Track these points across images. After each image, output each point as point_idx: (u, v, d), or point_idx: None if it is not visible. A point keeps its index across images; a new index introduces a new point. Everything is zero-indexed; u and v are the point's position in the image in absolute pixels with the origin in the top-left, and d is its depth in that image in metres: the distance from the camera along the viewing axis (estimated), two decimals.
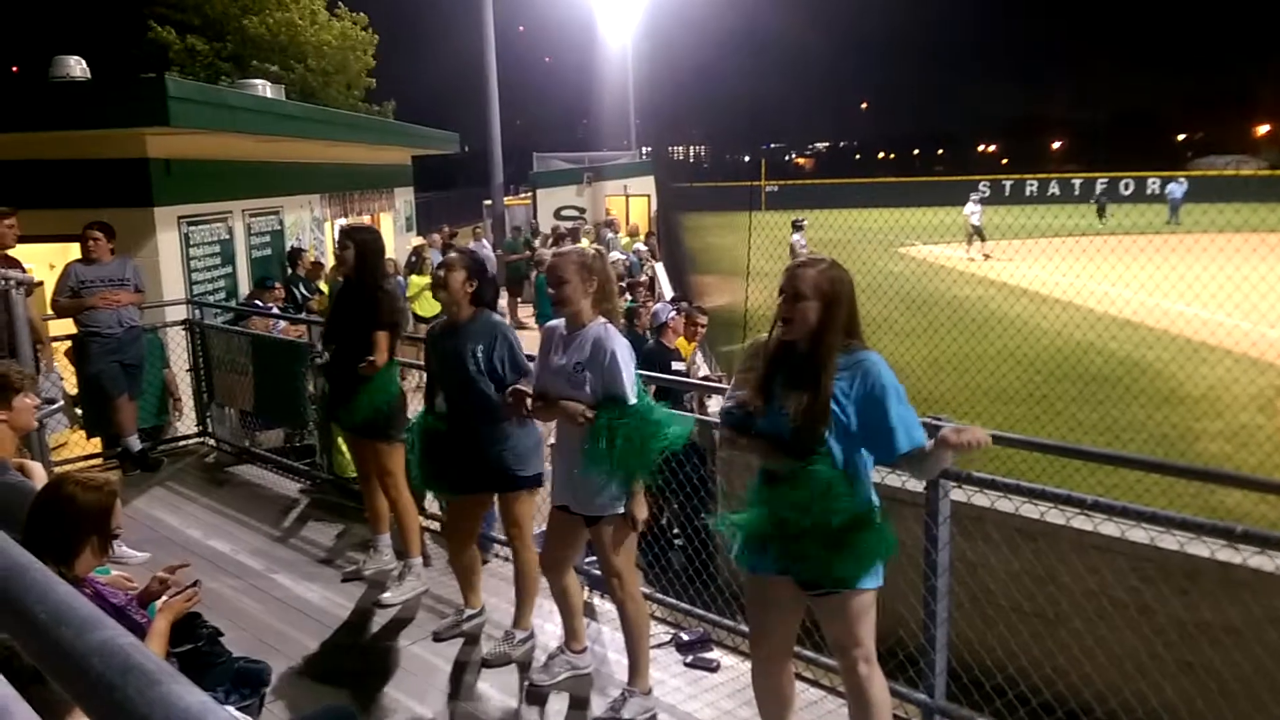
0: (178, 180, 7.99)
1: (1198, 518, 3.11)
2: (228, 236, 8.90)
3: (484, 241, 17.15)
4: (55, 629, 0.73)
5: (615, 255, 17.03)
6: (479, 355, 3.94)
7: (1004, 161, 79.18)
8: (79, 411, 6.93)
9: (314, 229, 11.25)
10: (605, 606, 4.54)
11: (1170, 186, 32.82)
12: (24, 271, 6.09)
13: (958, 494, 3.57)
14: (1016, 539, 3.94)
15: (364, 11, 25.55)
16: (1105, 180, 41.43)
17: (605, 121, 39.24)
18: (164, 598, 2.84)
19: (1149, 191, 37.56)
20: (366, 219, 13.85)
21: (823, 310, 2.71)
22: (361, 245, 4.72)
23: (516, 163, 29.51)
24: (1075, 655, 3.81)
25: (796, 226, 17.22)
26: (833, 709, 3.71)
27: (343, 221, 11.73)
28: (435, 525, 5.62)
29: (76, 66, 8.05)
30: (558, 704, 3.79)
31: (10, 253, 6.29)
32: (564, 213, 23.50)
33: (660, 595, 4.61)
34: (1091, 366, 10.99)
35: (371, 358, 4.57)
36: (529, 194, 26.63)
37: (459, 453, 4.02)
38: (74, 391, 6.91)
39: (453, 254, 4.30)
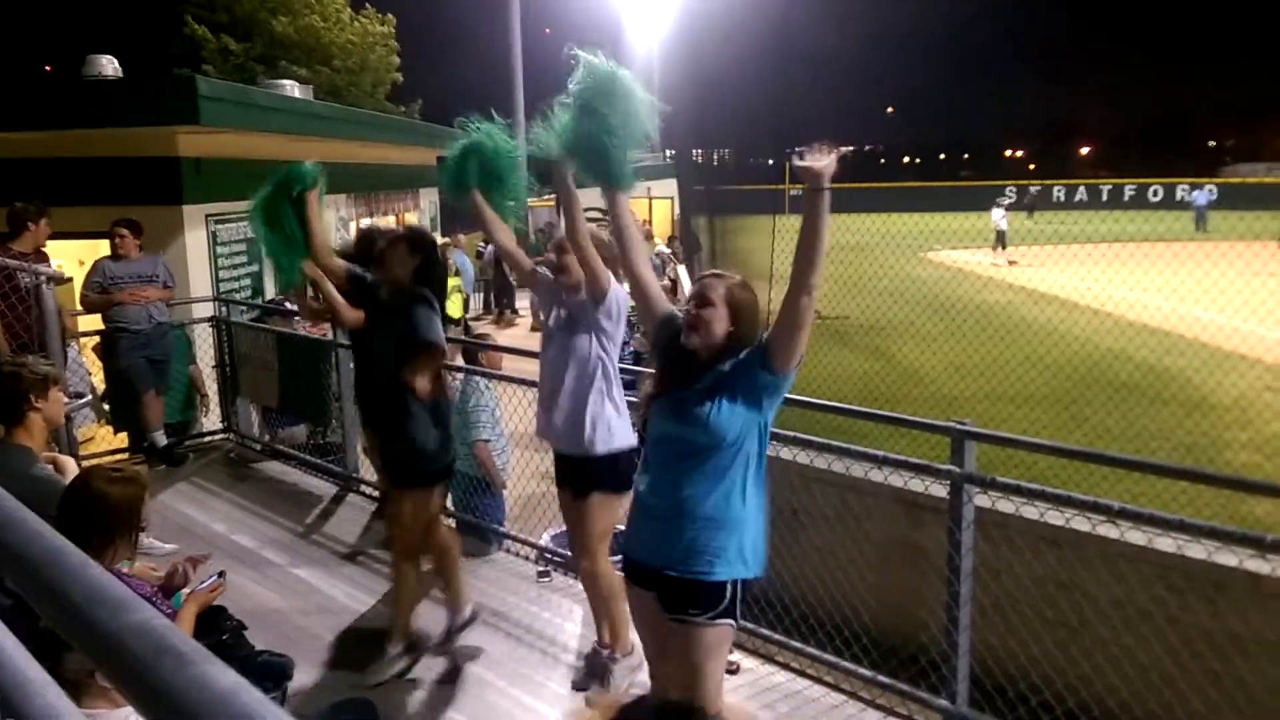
0: (207, 179, 8.06)
1: (1226, 526, 3.07)
2: (255, 235, 8.97)
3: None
4: (90, 610, 0.74)
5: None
6: (401, 333, 3.84)
7: (1031, 167, 78.69)
8: (106, 406, 7.01)
9: (340, 229, 11.32)
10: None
11: (1195, 194, 32.49)
12: (52, 267, 6.18)
13: (982, 499, 3.54)
14: (1041, 545, 3.90)
15: (391, 12, 25.76)
16: (1134, 187, 41.07)
17: None
18: (189, 589, 2.87)
19: (1178, 198, 37.17)
20: (391, 219, 13.93)
21: (731, 323, 2.65)
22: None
23: (541, 164, 29.51)
24: (1099, 664, 3.77)
25: None
26: (817, 697, 3.77)
27: (366, 222, 11.80)
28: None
29: (109, 65, 8.14)
30: (573, 701, 3.79)
31: (41, 249, 6.38)
32: (588, 214, 23.53)
33: None
34: (1119, 373, 10.90)
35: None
36: (553, 195, 26.68)
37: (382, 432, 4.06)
38: (102, 387, 6.99)
39: (400, 229, 4.26)
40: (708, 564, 2.62)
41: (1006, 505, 3.81)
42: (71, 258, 7.86)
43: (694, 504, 2.62)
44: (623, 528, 3.45)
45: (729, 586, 2.64)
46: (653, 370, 2.94)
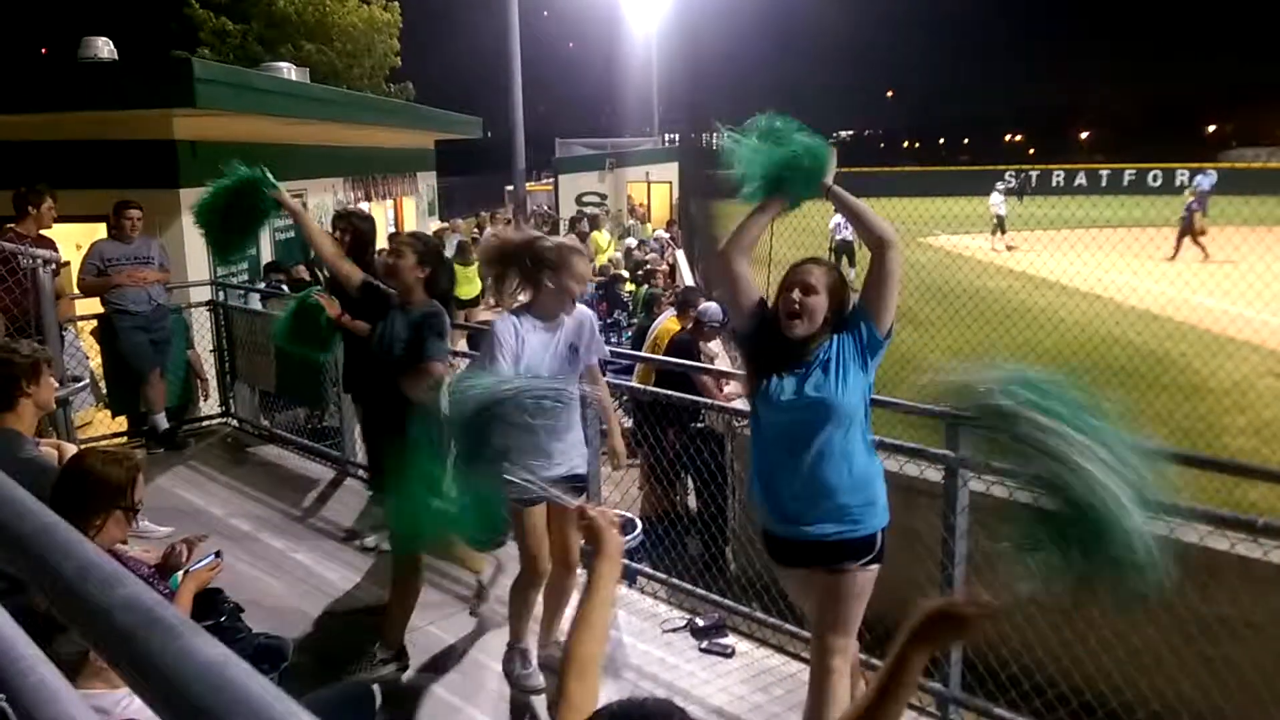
0: (203, 162, 8.03)
1: (1219, 510, 3.09)
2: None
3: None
4: (80, 584, 0.75)
5: (631, 241, 17.07)
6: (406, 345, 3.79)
7: (1031, 152, 78.50)
8: (104, 389, 7.01)
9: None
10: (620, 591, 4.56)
11: (1197, 179, 32.40)
12: (55, 251, 6.17)
13: (976, 484, 3.56)
14: None
15: None
16: (1133, 172, 40.95)
17: (628, 108, 39.18)
18: (184, 569, 2.88)
19: (1178, 183, 37.05)
20: (389, 203, 13.91)
21: (830, 307, 2.79)
22: (358, 231, 4.82)
23: (539, 148, 29.53)
24: (1092, 647, 3.79)
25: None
26: None
27: (365, 206, 11.78)
28: None
29: (105, 48, 8.11)
30: None
31: (44, 232, 6.37)
32: (585, 198, 23.53)
33: (676, 581, 4.62)
34: (1117, 358, 10.90)
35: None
36: (551, 179, 26.67)
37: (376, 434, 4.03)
38: (100, 370, 6.99)
39: (403, 237, 4.16)
40: (853, 523, 2.81)
41: (1001, 490, 3.82)
42: (68, 241, 7.84)
43: (832, 474, 2.77)
44: None
45: (878, 536, 2.86)
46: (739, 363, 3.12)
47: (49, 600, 0.80)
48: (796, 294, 2.75)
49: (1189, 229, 19.69)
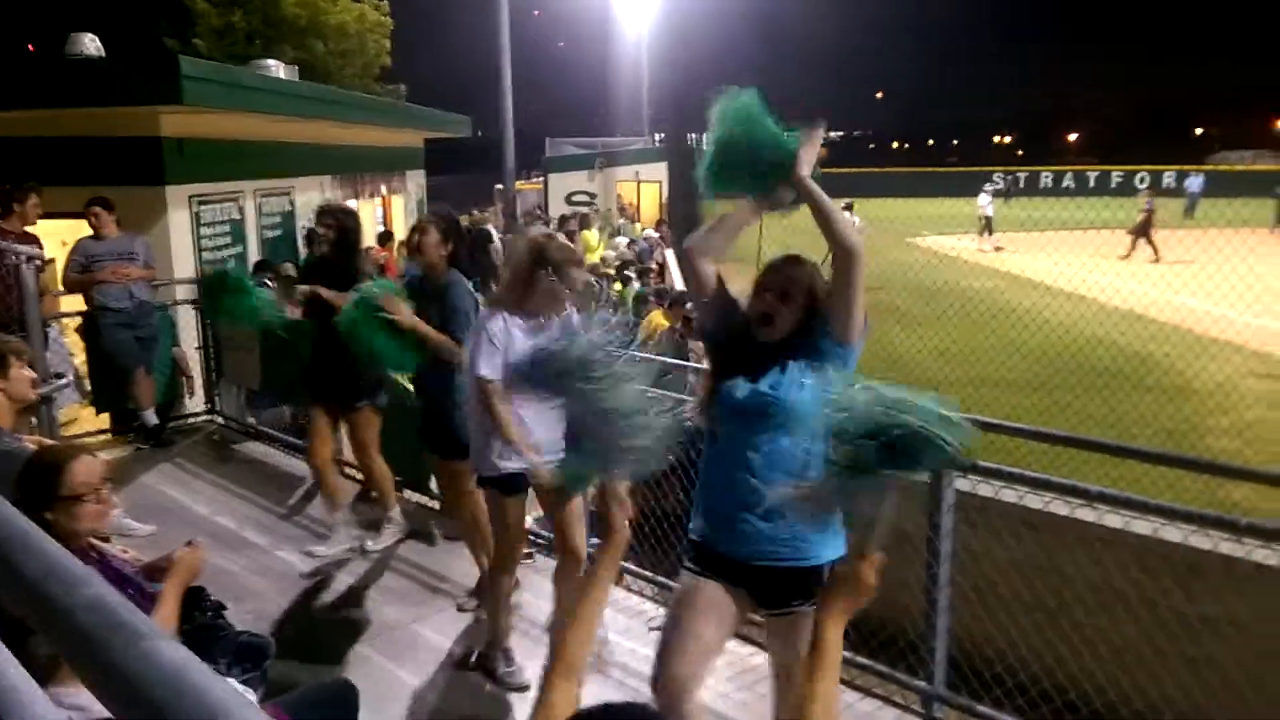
0: (190, 159, 8.00)
1: (1202, 510, 3.10)
2: (239, 216, 8.92)
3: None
4: (44, 584, 0.74)
5: (621, 240, 17.07)
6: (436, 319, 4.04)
7: (1019, 153, 78.83)
8: (88, 386, 6.97)
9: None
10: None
11: (1188, 180, 32.65)
12: (40, 248, 6.15)
13: (962, 483, 3.56)
14: (1020, 529, 3.93)
15: None
16: (1121, 173, 41.12)
17: (619, 108, 39.12)
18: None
19: (1165, 185, 37.25)
20: (378, 201, 13.87)
21: (805, 313, 2.54)
22: (344, 228, 4.82)
23: (530, 147, 29.47)
24: (1076, 646, 3.80)
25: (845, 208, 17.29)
26: None
27: (352, 203, 11.73)
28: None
29: (91, 44, 8.06)
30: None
31: (29, 229, 6.33)
32: (575, 198, 23.53)
33: (663, 579, 4.62)
34: (1102, 359, 10.95)
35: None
36: (541, 179, 26.65)
37: (427, 412, 4.26)
38: (84, 367, 6.94)
39: (425, 215, 4.31)
40: (796, 549, 2.55)
41: (986, 489, 3.83)
42: (54, 238, 7.79)
43: (780, 488, 2.46)
44: None
45: (828, 571, 2.53)
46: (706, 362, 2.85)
47: (12, 601, 0.79)
48: (770, 298, 2.55)
49: (1147, 228, 20.18)
